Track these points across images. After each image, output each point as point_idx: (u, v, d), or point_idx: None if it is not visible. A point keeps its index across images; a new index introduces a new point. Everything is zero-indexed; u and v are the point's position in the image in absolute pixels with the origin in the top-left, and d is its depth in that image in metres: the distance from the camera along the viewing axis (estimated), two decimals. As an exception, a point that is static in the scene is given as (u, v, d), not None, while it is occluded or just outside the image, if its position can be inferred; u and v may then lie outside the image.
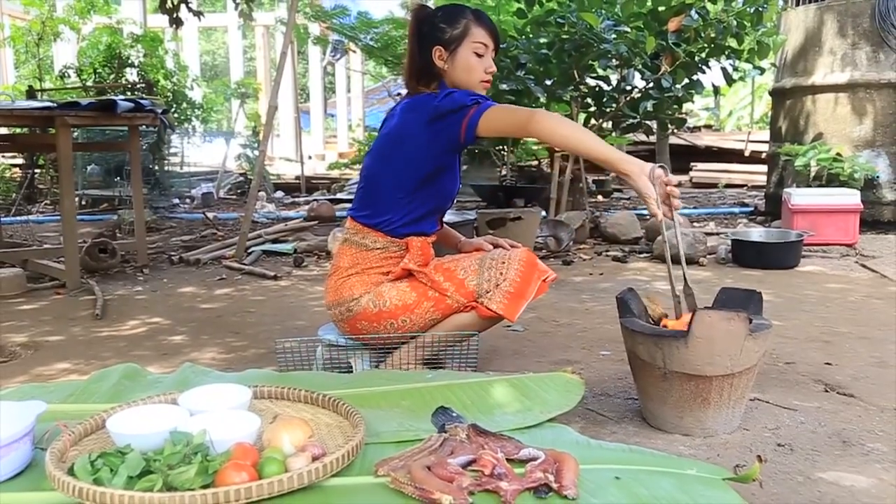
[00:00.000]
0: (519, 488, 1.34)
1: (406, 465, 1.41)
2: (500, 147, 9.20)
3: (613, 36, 5.15)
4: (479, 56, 2.16)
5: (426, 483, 1.33)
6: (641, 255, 4.87)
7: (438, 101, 2.07)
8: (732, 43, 5.31)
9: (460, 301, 2.14)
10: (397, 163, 2.15)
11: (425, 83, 2.20)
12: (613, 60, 5.36)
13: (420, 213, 2.19)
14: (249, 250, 5.01)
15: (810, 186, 5.58)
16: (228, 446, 1.42)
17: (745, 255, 4.48)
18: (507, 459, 1.47)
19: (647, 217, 6.09)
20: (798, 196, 5.09)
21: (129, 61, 9.06)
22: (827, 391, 2.22)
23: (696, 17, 4.97)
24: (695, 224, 6.13)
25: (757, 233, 4.89)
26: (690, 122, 13.25)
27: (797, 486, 1.59)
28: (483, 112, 2.00)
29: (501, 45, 5.76)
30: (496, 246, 2.36)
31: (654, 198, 1.83)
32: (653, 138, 8.53)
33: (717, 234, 5.62)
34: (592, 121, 5.90)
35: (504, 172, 9.05)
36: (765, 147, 8.47)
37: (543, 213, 5.89)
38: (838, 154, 5.73)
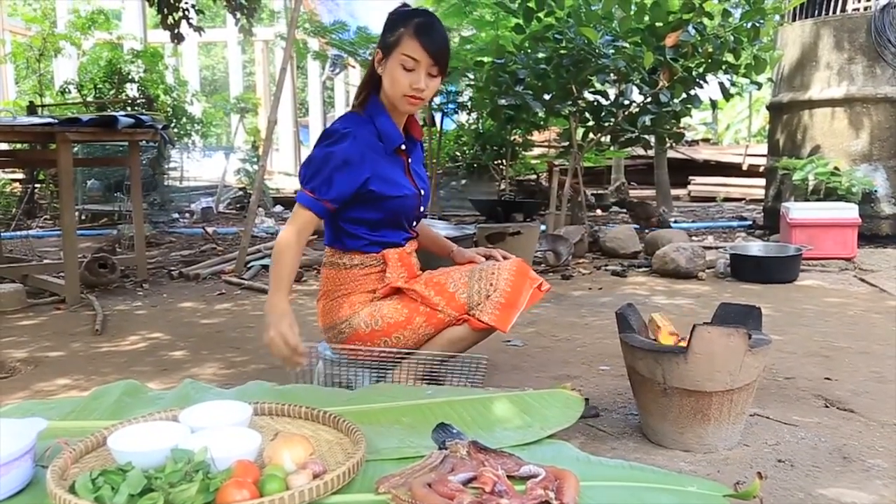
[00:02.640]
0: (520, 505, 1.34)
1: (407, 482, 1.41)
2: (499, 161, 9.24)
3: (611, 51, 5.19)
4: (407, 70, 2.04)
5: (427, 500, 1.33)
6: (640, 270, 4.88)
7: (311, 154, 2.13)
8: (730, 58, 5.34)
9: (452, 314, 2.12)
10: None
11: (366, 92, 2.19)
12: (611, 75, 5.39)
13: (377, 227, 2.17)
14: (249, 265, 5.01)
15: (808, 200, 5.60)
16: (229, 464, 1.42)
17: (743, 269, 4.49)
18: (508, 476, 1.47)
19: (646, 231, 6.11)
20: (796, 210, 5.11)
21: (130, 77, 9.11)
22: (827, 406, 2.22)
23: (693, 32, 5.00)
24: (693, 238, 6.14)
25: (755, 247, 4.90)
26: (688, 136, 13.29)
27: (798, 503, 1.59)
28: (296, 204, 2.10)
29: (499, 61, 5.70)
30: (488, 257, 2.34)
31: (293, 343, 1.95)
32: (651, 152, 8.57)
33: (716, 248, 5.62)
34: (591, 135, 5.92)
35: (503, 187, 9.07)
36: (763, 161, 8.50)
37: (542, 227, 5.90)
38: (836, 168, 5.75)
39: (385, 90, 2.12)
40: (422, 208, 2.29)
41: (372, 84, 2.17)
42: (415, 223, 2.33)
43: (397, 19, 2.09)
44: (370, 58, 2.40)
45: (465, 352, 2.22)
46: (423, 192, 2.27)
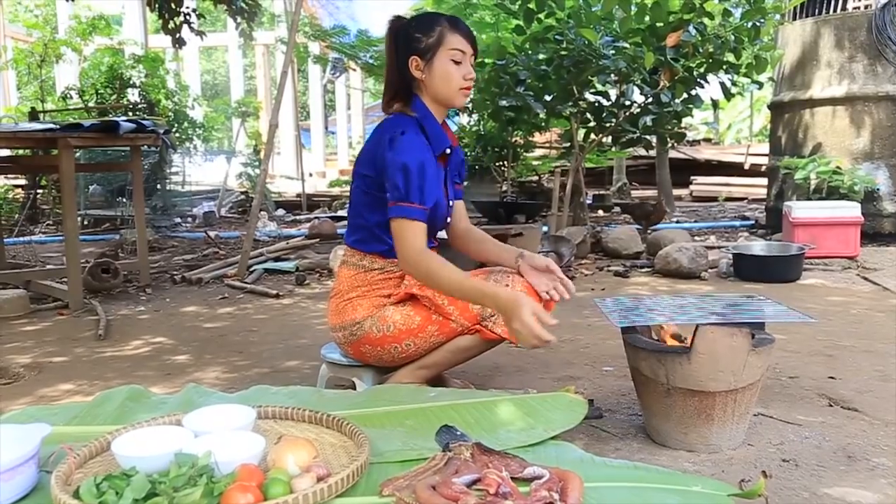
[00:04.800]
0: (524, 507, 1.34)
1: (411, 484, 1.41)
2: (500, 163, 9.24)
3: (612, 52, 5.19)
4: (457, 63, 2.09)
5: (431, 503, 1.33)
6: (643, 270, 4.87)
7: (389, 158, 2.03)
8: (730, 58, 5.34)
9: (464, 324, 2.11)
10: (371, 186, 2.14)
11: (403, 99, 2.16)
12: (612, 76, 5.40)
13: None
14: (251, 269, 5.02)
15: (810, 199, 5.60)
16: (233, 468, 1.42)
17: (746, 268, 4.48)
18: (512, 478, 1.47)
19: (649, 232, 6.10)
20: (799, 209, 5.10)
21: (131, 82, 9.12)
22: (831, 405, 2.22)
23: (694, 32, 5.00)
24: (696, 238, 6.13)
25: (758, 246, 4.89)
26: (690, 136, 13.28)
27: (803, 503, 1.58)
28: (394, 217, 2.00)
29: (500, 62, 5.72)
30: (546, 270, 2.22)
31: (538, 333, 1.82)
32: (652, 153, 8.57)
33: (718, 247, 5.62)
34: (592, 136, 5.93)
35: (504, 188, 9.07)
36: (764, 160, 8.50)
37: (545, 228, 5.90)
38: (838, 167, 5.74)
39: (436, 90, 2.11)
40: (448, 219, 2.29)
41: (404, 94, 2.16)
42: (438, 233, 2.32)
43: (425, 22, 2.12)
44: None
45: (472, 358, 2.22)
46: (451, 203, 2.26)
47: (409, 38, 2.11)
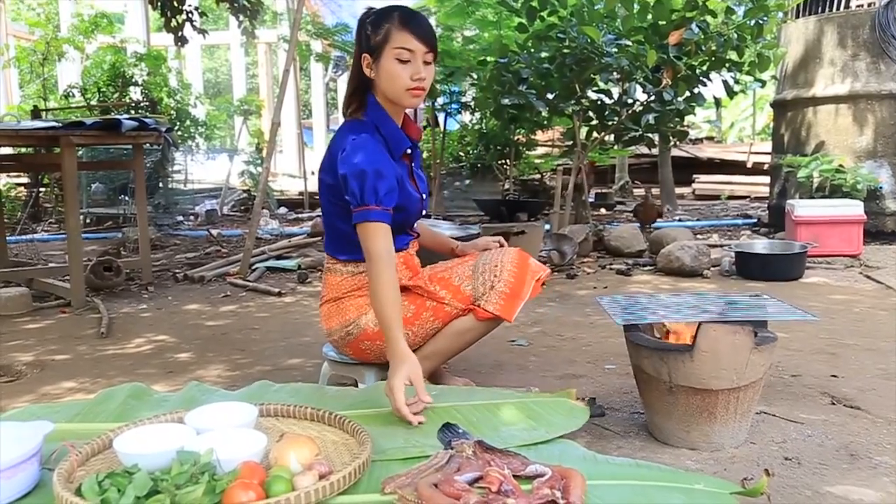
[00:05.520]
0: (526, 505, 1.34)
1: (413, 482, 1.41)
2: (503, 161, 9.24)
3: (614, 50, 5.18)
4: (403, 62, 1.99)
5: (433, 501, 1.33)
6: (645, 268, 4.87)
7: (342, 169, 2.00)
8: (733, 56, 5.33)
9: (458, 307, 2.13)
10: (335, 195, 2.09)
11: (359, 98, 2.11)
12: (615, 74, 5.38)
13: None
14: (253, 267, 5.02)
15: (813, 198, 5.59)
16: (235, 465, 1.42)
17: (749, 266, 4.48)
18: (514, 476, 1.46)
19: (650, 230, 6.10)
20: (801, 207, 5.09)
21: (133, 80, 9.13)
22: (833, 404, 2.21)
23: (696, 30, 4.99)
24: (698, 236, 6.12)
25: (761, 244, 4.88)
26: (692, 134, 13.29)
27: (805, 501, 1.58)
28: (357, 223, 1.96)
29: (503, 60, 5.69)
30: (485, 250, 2.31)
31: (397, 406, 1.79)
32: (655, 151, 8.56)
33: (721, 245, 5.62)
34: (595, 134, 5.92)
35: (507, 186, 9.07)
36: (767, 158, 8.49)
37: (547, 226, 5.90)
38: (841, 165, 5.73)
39: (384, 90, 2.05)
40: (423, 211, 2.29)
41: (361, 92, 2.11)
42: (414, 225, 2.32)
43: (377, 18, 2.03)
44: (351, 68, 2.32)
45: (472, 344, 2.22)
46: (424, 196, 2.25)
47: (364, 34, 2.05)
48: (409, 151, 2.18)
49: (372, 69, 2.04)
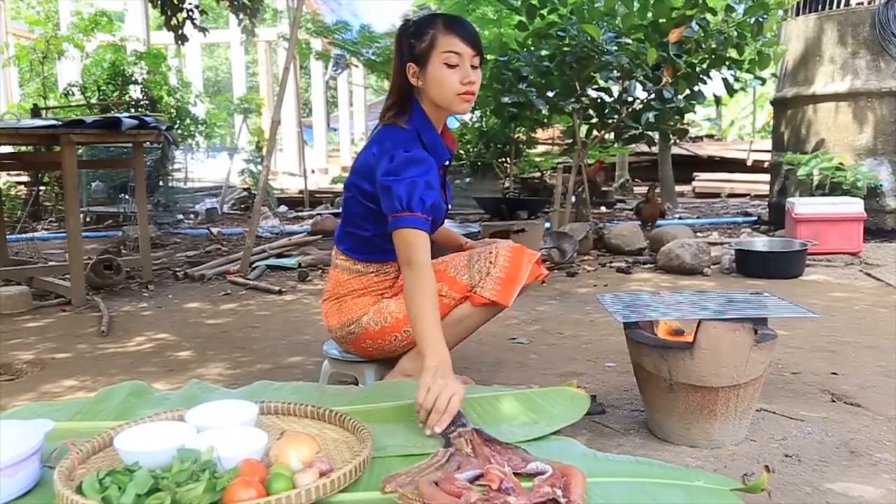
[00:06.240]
0: (527, 503, 1.34)
1: (413, 480, 1.41)
2: (503, 159, 9.24)
3: (615, 48, 5.18)
4: (452, 66, 1.97)
5: (434, 499, 1.33)
6: (645, 266, 4.87)
7: (381, 176, 1.96)
8: (733, 53, 5.33)
9: (455, 297, 2.13)
10: (368, 198, 2.08)
11: (402, 106, 2.08)
12: (615, 72, 5.39)
13: None
14: (254, 265, 5.02)
15: (813, 195, 5.59)
16: (236, 463, 1.42)
17: (749, 264, 4.48)
18: (515, 473, 1.46)
19: (650, 228, 6.10)
20: (801, 205, 5.09)
21: (133, 78, 9.13)
22: (833, 401, 2.21)
23: (696, 28, 4.99)
24: (698, 234, 6.13)
25: (761, 242, 4.88)
26: (692, 132, 13.28)
27: (805, 498, 1.58)
28: (397, 227, 1.91)
29: (503, 58, 5.68)
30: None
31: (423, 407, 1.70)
32: (655, 149, 8.55)
33: (721, 243, 5.61)
34: (595, 132, 5.93)
35: (507, 185, 9.06)
36: (767, 156, 8.49)
37: (547, 224, 5.90)
38: (841, 163, 5.73)
39: (433, 97, 2.03)
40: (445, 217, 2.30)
41: (403, 100, 2.08)
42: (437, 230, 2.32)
43: (419, 26, 2.02)
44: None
45: (472, 332, 2.21)
46: (449, 206, 2.25)
47: (406, 44, 2.04)
48: (446, 163, 2.18)
49: (419, 78, 2.02)
